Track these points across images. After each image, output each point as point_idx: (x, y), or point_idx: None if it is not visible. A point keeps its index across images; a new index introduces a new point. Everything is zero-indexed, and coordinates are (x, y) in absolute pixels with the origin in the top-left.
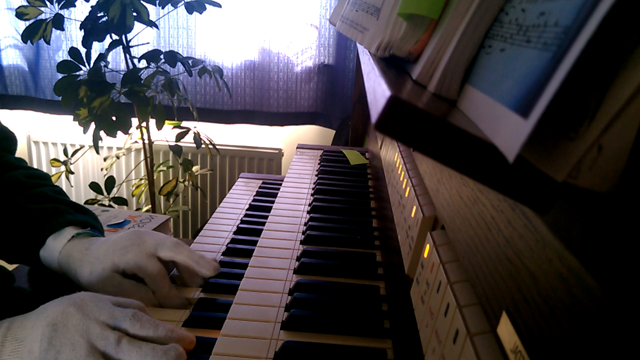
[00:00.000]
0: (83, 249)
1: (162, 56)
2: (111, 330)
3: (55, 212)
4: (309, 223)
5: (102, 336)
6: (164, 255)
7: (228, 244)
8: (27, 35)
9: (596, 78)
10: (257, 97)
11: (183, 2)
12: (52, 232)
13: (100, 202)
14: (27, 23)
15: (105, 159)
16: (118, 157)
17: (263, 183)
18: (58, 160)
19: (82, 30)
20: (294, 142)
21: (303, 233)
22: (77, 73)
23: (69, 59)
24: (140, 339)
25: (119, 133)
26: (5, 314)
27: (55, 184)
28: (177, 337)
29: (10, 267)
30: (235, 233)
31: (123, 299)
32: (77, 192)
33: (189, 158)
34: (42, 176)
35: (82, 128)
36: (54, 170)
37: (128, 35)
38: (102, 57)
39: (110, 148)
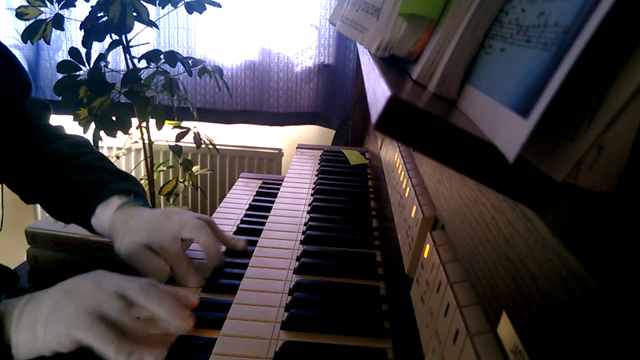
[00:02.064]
0: (124, 220)
1: (162, 56)
2: (117, 298)
3: (100, 182)
4: (309, 223)
5: (107, 302)
6: (185, 236)
7: None
8: (27, 35)
9: (596, 78)
10: (257, 97)
11: (183, 2)
12: (99, 202)
13: None
14: (27, 23)
15: None
16: (118, 157)
17: (263, 183)
18: None
19: (82, 30)
20: (294, 142)
21: (303, 233)
22: (77, 73)
23: (69, 59)
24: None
25: (119, 133)
26: None
27: None
28: (180, 316)
29: (12, 267)
30: (235, 233)
31: (136, 278)
32: None
33: (189, 158)
34: (83, 144)
35: (82, 128)
36: None
37: (128, 35)
38: (102, 57)
39: (110, 148)
